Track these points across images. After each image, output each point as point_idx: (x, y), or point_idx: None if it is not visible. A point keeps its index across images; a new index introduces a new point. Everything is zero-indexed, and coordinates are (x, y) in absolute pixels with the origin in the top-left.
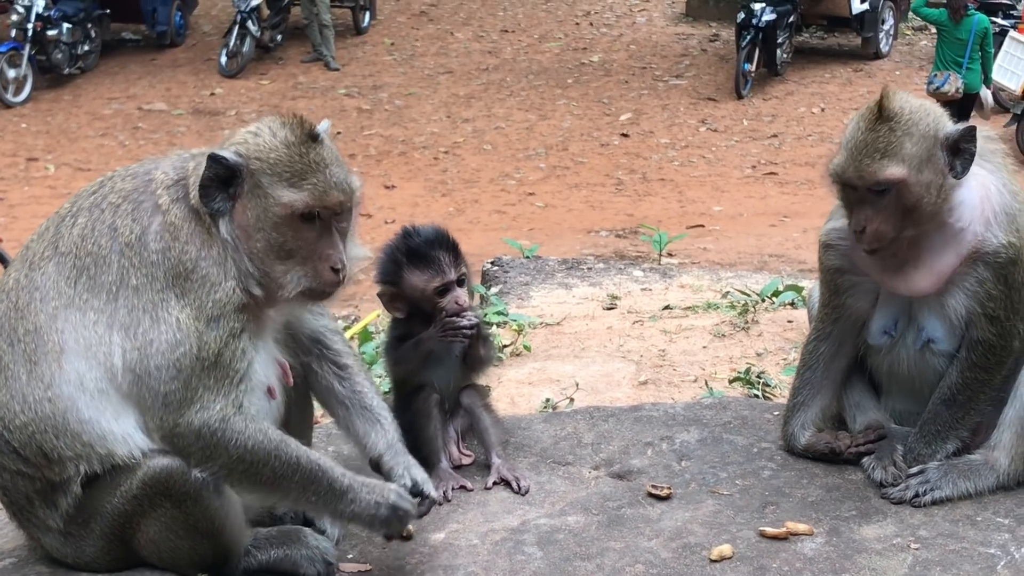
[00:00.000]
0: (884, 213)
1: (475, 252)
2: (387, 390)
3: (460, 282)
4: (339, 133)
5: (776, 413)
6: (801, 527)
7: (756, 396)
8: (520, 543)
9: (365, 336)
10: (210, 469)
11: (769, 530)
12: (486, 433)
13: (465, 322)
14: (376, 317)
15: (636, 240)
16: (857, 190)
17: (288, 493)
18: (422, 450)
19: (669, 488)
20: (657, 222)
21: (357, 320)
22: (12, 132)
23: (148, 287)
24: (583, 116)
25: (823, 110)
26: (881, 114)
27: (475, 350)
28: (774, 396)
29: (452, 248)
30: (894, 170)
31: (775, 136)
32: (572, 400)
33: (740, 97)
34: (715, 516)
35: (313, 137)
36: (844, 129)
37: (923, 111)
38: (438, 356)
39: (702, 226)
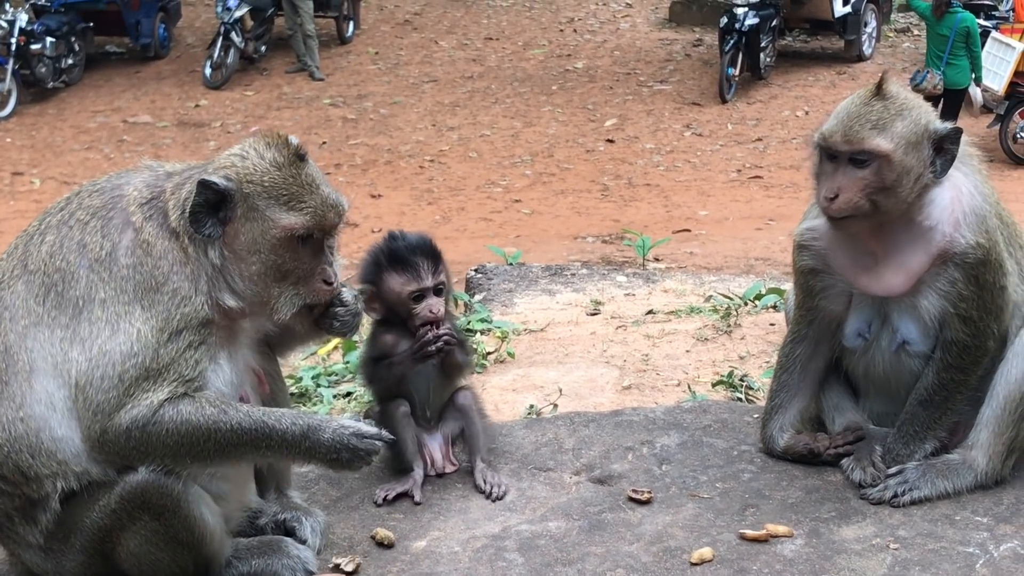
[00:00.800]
0: (859, 184)
1: (462, 260)
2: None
3: (438, 291)
4: (324, 143)
5: (756, 416)
6: (781, 529)
7: (739, 399)
8: (501, 549)
9: (349, 345)
10: (153, 463)
11: (749, 532)
12: (475, 438)
13: (438, 343)
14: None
15: (622, 245)
16: (838, 158)
17: (243, 456)
18: (395, 459)
19: (650, 492)
20: (643, 227)
21: None
22: None
23: (115, 299)
24: (568, 122)
25: (807, 113)
26: (879, 92)
27: (452, 356)
28: (757, 399)
29: (433, 256)
30: (881, 142)
31: (760, 140)
32: (556, 406)
33: (724, 101)
34: (695, 519)
35: (300, 157)
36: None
37: (918, 102)
38: (414, 373)
39: (688, 231)
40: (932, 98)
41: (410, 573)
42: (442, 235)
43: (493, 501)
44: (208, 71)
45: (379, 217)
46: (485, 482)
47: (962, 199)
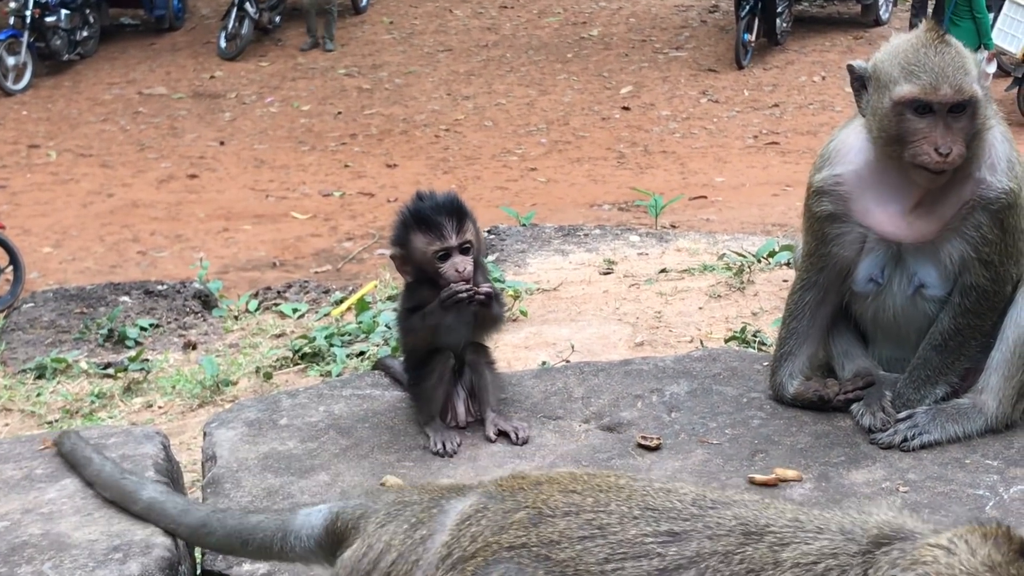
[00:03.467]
0: (961, 134)
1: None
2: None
3: (464, 249)
4: (340, 113)
5: (765, 364)
6: (790, 473)
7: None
8: None
9: (362, 306)
10: None
11: (758, 477)
12: (484, 390)
13: (463, 292)
14: (373, 288)
15: (639, 213)
16: (936, 111)
17: None
18: (424, 407)
19: (658, 439)
20: (660, 194)
21: (355, 291)
22: (13, 119)
23: None
24: (583, 90)
25: (824, 78)
26: (943, 38)
27: (488, 309)
28: (769, 352)
29: (458, 214)
30: (976, 87)
31: (776, 106)
32: (568, 362)
33: (740, 67)
34: (704, 465)
35: None
36: (896, 57)
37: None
38: (448, 323)
39: (704, 197)
40: None
41: None
42: None
43: (521, 444)
44: (223, 42)
45: (395, 187)
46: (501, 429)
47: (996, 145)
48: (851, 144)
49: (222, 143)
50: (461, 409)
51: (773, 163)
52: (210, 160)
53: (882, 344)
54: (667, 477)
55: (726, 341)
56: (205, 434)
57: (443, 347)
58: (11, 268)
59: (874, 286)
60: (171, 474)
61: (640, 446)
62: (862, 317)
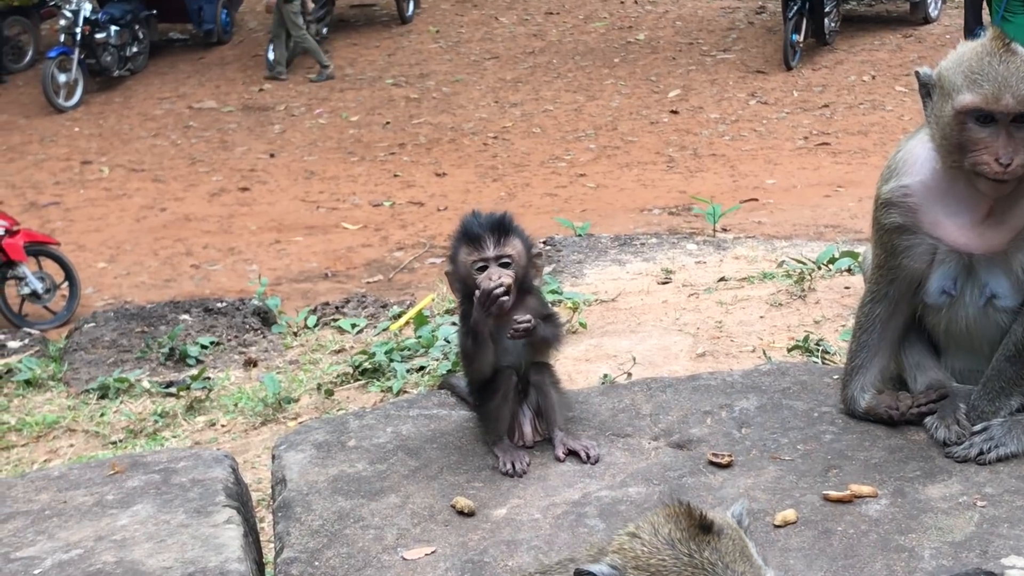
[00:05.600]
0: (1022, 144)
1: (529, 235)
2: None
3: (503, 263)
4: (388, 123)
5: (835, 377)
6: (865, 489)
7: (816, 364)
8: (582, 516)
9: (421, 320)
10: None
11: (833, 493)
12: (550, 409)
13: (497, 288)
14: (431, 301)
15: (689, 217)
16: (998, 121)
17: None
18: (490, 427)
19: (730, 456)
20: (710, 197)
21: (412, 305)
22: (65, 136)
23: None
24: (631, 95)
25: (874, 78)
26: (1008, 46)
27: (535, 332)
28: (833, 363)
29: (502, 230)
30: None
31: (826, 106)
32: (630, 375)
33: (789, 68)
34: (777, 482)
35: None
36: (960, 65)
37: None
38: (500, 339)
39: (756, 200)
40: None
41: (492, 540)
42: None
43: (593, 463)
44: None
45: (444, 195)
46: (571, 448)
47: None
48: (918, 154)
49: (272, 155)
50: (528, 428)
51: (824, 164)
52: (261, 172)
53: (954, 356)
54: (740, 495)
55: (789, 351)
56: (274, 456)
57: (504, 368)
58: (67, 284)
59: (946, 298)
60: (240, 497)
61: (711, 463)
62: (934, 329)
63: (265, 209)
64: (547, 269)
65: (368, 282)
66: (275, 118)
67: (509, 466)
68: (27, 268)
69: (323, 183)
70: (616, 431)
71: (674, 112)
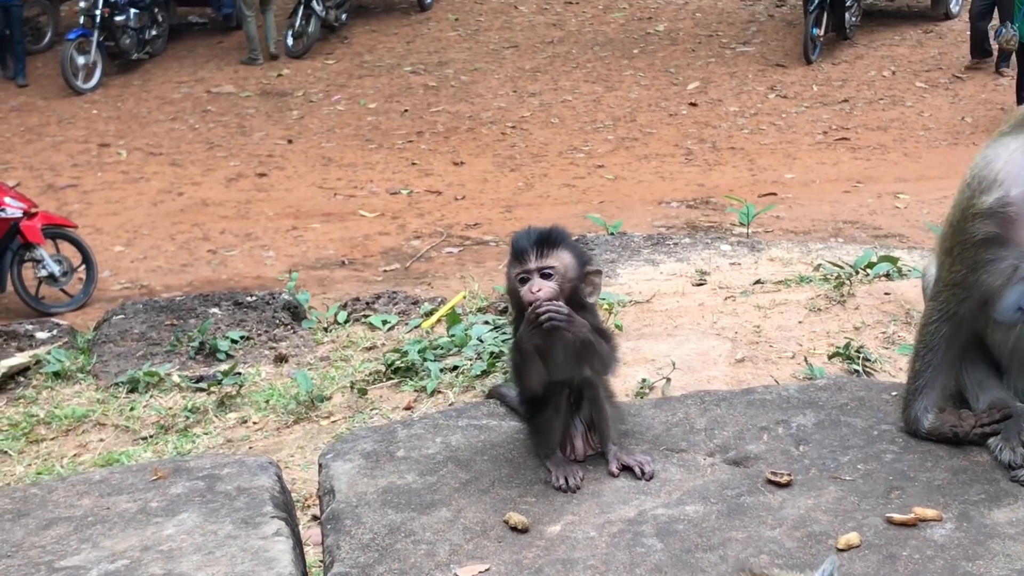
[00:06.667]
0: None
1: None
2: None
3: (545, 275)
4: (406, 111)
5: (893, 394)
6: (930, 512)
7: (856, 372)
8: (639, 535)
9: (453, 319)
10: None
11: (897, 516)
12: (604, 423)
13: (543, 314)
14: (462, 299)
15: (708, 210)
16: None
17: None
18: (542, 441)
19: (789, 475)
20: (728, 191)
21: (444, 302)
22: (83, 118)
23: None
24: (650, 86)
25: (894, 73)
26: None
27: (587, 349)
28: (874, 371)
29: (547, 243)
30: None
31: (846, 101)
32: (669, 380)
33: (809, 62)
34: (839, 503)
35: None
36: None
37: None
38: (553, 353)
39: (774, 194)
40: (1006, 53)
41: (547, 559)
42: (525, 202)
43: (648, 479)
44: (290, 40)
45: (462, 184)
46: (625, 463)
47: None
48: (1018, 162)
49: (290, 141)
50: (579, 443)
51: (843, 159)
52: (278, 158)
53: (1018, 375)
54: (801, 517)
55: (829, 358)
56: (321, 466)
57: (556, 382)
58: (83, 267)
59: (1020, 315)
60: (287, 507)
61: (770, 482)
62: (999, 347)
63: (282, 195)
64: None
65: (385, 270)
66: (293, 104)
67: (562, 481)
68: (44, 251)
69: (340, 170)
70: (670, 446)
71: (693, 104)
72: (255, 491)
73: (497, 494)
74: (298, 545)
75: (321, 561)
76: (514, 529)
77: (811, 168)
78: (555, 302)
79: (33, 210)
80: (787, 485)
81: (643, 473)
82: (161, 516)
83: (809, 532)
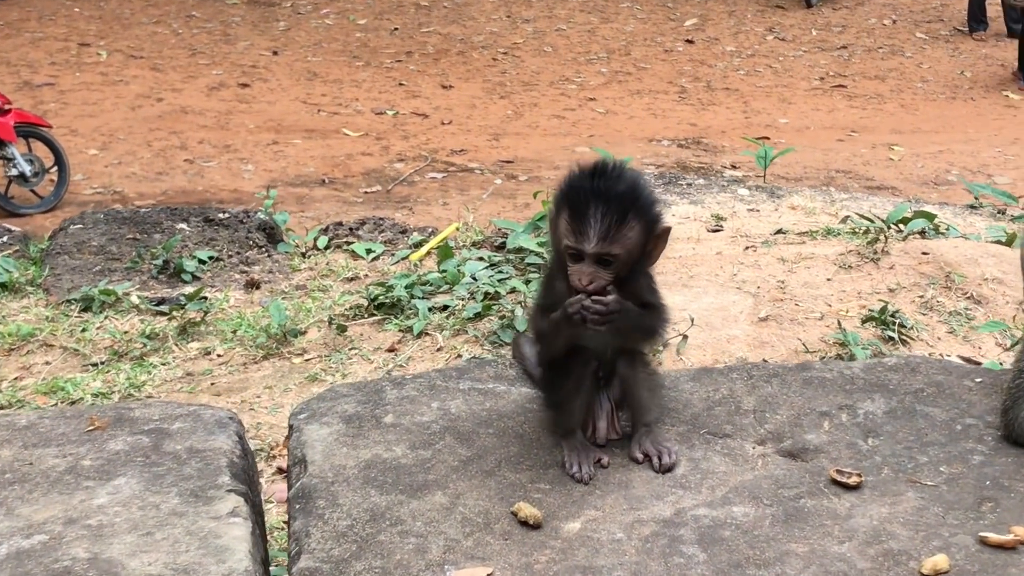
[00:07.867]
0: None
1: (533, 157)
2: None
3: (603, 261)
4: (396, 29)
5: (978, 380)
6: None
7: (891, 339)
8: (676, 540)
9: (445, 252)
10: None
11: (992, 537)
12: (638, 406)
13: (586, 311)
14: (455, 231)
15: (699, 151)
16: None
17: None
18: (559, 419)
19: (858, 475)
20: (721, 132)
21: (434, 233)
22: (65, 16)
23: None
24: (647, 20)
25: (894, 22)
26: None
27: (628, 332)
28: (910, 339)
29: (619, 214)
30: None
31: (844, 47)
32: (686, 338)
33: (809, 6)
34: (920, 514)
35: None
36: None
37: None
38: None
39: (767, 138)
40: (1017, 9)
41: (563, 565)
42: (514, 131)
43: (662, 473)
44: None
45: (449, 108)
46: (652, 448)
47: None
48: None
49: (275, 53)
50: (603, 425)
51: (839, 107)
52: (262, 70)
53: None
54: (874, 529)
55: (863, 322)
56: (291, 427)
57: (582, 349)
58: (56, 168)
59: None
60: (247, 476)
61: (835, 482)
62: None
63: (264, 108)
64: None
65: (366, 192)
66: (280, 14)
67: (576, 468)
68: (16, 149)
69: (325, 86)
70: (713, 429)
71: (689, 42)
72: (210, 455)
73: (504, 477)
74: (259, 526)
75: (285, 549)
76: (524, 524)
77: (806, 114)
78: (604, 299)
79: (7, 107)
80: (856, 488)
81: (660, 464)
82: (93, 479)
83: (885, 550)
